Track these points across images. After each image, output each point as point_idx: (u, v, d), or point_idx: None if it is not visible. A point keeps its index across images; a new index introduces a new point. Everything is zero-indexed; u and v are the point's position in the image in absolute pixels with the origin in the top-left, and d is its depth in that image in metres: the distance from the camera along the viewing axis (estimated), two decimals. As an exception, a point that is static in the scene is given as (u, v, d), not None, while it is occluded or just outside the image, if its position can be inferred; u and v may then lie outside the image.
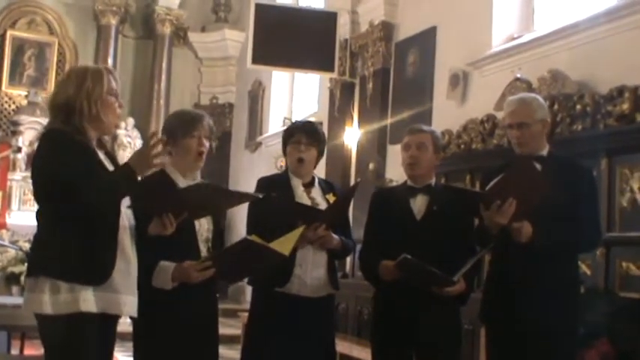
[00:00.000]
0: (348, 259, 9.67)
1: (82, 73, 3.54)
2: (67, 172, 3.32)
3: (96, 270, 3.38)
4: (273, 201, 4.19)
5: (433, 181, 4.40)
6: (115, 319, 3.57)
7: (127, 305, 3.50)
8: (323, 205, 4.41)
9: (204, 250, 3.98)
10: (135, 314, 3.57)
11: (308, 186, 4.48)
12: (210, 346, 4.05)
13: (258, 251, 3.75)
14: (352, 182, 11.23)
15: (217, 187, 3.80)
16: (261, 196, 4.09)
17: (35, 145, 12.23)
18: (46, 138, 3.49)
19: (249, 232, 4.14)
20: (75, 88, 3.49)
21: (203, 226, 4.02)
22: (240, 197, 3.96)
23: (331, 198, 4.45)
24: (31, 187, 10.28)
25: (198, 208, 3.76)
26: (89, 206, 3.32)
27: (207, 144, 4.05)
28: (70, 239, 3.36)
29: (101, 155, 3.58)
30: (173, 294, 3.78)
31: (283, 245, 3.87)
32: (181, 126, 4.04)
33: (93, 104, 3.49)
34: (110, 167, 3.59)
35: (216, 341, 4.12)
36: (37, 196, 3.52)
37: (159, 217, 3.59)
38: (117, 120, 3.67)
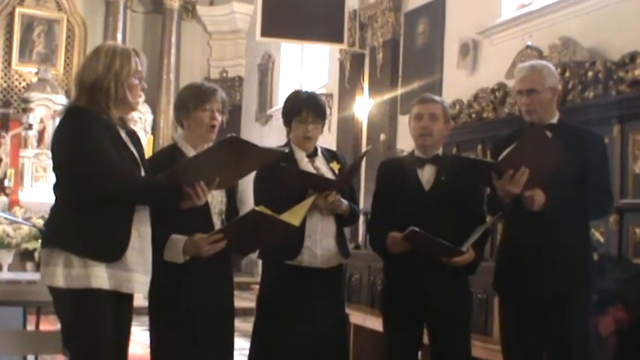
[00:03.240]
0: (361, 230, 9.68)
1: (110, 53, 3.52)
2: (95, 155, 3.34)
3: (110, 247, 3.40)
4: (284, 172, 4.18)
5: (441, 151, 4.38)
6: (130, 296, 3.58)
7: (140, 284, 3.51)
8: (328, 174, 4.42)
9: (217, 223, 3.97)
10: (145, 293, 3.59)
11: (311, 156, 4.47)
12: (226, 320, 4.07)
13: (267, 222, 3.74)
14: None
15: (242, 139, 3.72)
16: (287, 150, 4.12)
17: (47, 122, 12.22)
18: (72, 115, 3.49)
19: (256, 203, 4.13)
20: (103, 68, 3.48)
21: (216, 198, 4.00)
22: (265, 152, 3.83)
23: (335, 166, 4.46)
24: (43, 164, 10.29)
25: (228, 171, 3.68)
26: (106, 192, 3.36)
27: (219, 117, 4.04)
28: (86, 215, 3.37)
29: (123, 134, 3.58)
30: (188, 269, 3.79)
31: (293, 216, 3.87)
32: (194, 98, 4.03)
33: (120, 86, 3.49)
34: (131, 146, 3.59)
35: (232, 315, 4.13)
36: (55, 170, 3.53)
37: (191, 188, 3.54)
38: (138, 102, 3.66)
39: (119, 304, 3.48)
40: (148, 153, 4.12)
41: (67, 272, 3.35)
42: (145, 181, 3.54)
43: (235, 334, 4.18)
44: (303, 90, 4.86)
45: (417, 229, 3.91)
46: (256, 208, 3.74)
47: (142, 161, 3.64)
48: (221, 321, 4.02)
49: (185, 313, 3.85)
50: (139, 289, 3.52)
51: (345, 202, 4.35)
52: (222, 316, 4.04)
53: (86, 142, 3.35)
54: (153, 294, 3.73)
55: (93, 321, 3.38)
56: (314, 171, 4.40)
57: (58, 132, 3.52)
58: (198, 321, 3.88)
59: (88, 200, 3.36)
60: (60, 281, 3.36)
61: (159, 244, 3.70)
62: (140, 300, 3.74)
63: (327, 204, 4.24)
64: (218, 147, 3.62)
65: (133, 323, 3.71)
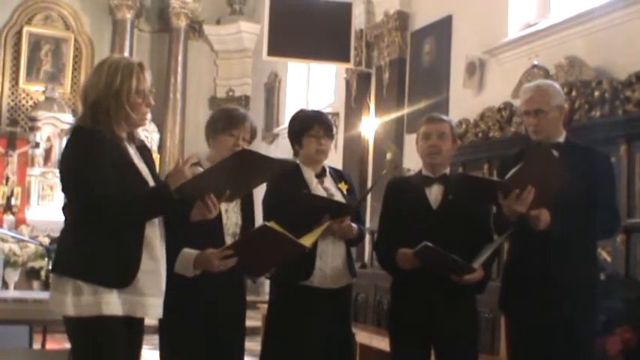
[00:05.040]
0: (367, 250, 9.67)
1: (112, 70, 3.45)
2: (92, 177, 3.29)
3: (119, 273, 3.33)
4: (306, 198, 4.20)
5: (448, 170, 4.39)
6: (141, 319, 3.53)
7: (154, 307, 3.45)
8: (337, 195, 4.44)
9: None
10: (160, 316, 3.52)
11: (320, 176, 4.48)
12: (237, 339, 4.08)
13: (277, 239, 3.70)
14: (370, 172, 11.25)
15: (252, 152, 3.69)
16: (298, 162, 4.20)
17: (54, 141, 12.23)
18: (76, 135, 3.44)
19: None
20: (104, 87, 3.42)
21: (231, 220, 4.02)
22: (276, 163, 3.83)
23: (343, 187, 4.49)
24: (49, 183, 10.31)
25: (238, 184, 3.65)
26: (109, 215, 3.30)
27: (244, 145, 4.05)
28: (94, 239, 3.32)
29: (132, 151, 3.53)
30: (199, 285, 3.80)
31: (306, 239, 3.86)
32: (222, 121, 4.09)
33: (120, 106, 3.42)
34: (140, 164, 3.54)
35: (243, 335, 4.13)
36: (63, 191, 3.50)
37: (201, 201, 3.53)
38: (143, 119, 3.58)
39: (130, 326, 3.43)
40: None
41: (76, 300, 3.29)
42: (133, 194, 3.39)
43: (241, 352, 4.18)
44: (309, 109, 4.90)
45: (430, 244, 3.89)
46: (267, 224, 3.71)
47: (153, 175, 3.59)
48: (231, 340, 4.03)
49: (195, 331, 3.86)
50: (152, 314, 3.46)
51: (355, 226, 4.37)
52: (233, 335, 4.05)
53: (85, 163, 3.31)
54: (164, 306, 3.74)
55: (105, 348, 3.33)
56: (323, 192, 4.42)
57: (64, 153, 3.49)
58: (208, 339, 3.88)
59: (95, 223, 3.31)
60: (70, 310, 3.30)
61: (170, 257, 3.70)
62: (147, 319, 3.71)
63: (341, 228, 4.26)
64: (229, 161, 3.57)
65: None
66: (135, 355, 3.58)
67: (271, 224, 3.71)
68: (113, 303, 3.32)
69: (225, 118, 4.11)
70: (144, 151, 3.67)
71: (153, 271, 3.43)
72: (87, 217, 3.33)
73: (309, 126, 4.46)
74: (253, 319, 9.85)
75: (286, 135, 4.65)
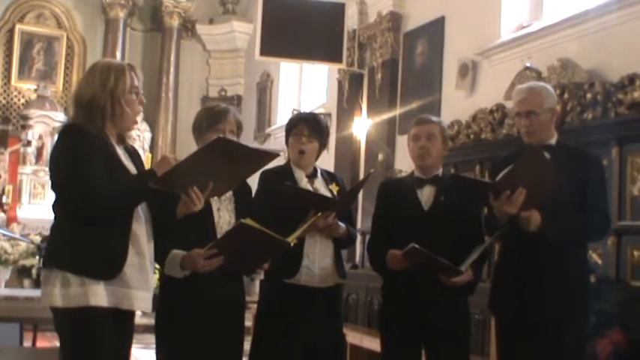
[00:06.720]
0: (358, 250, 9.68)
1: (105, 70, 3.54)
2: (82, 172, 3.34)
3: (106, 264, 3.39)
4: (287, 190, 4.19)
5: (440, 171, 4.40)
6: (130, 313, 3.57)
7: (141, 300, 3.49)
8: (327, 195, 4.42)
9: None
10: (149, 309, 3.57)
11: (311, 177, 4.48)
12: (234, 340, 4.07)
13: (256, 236, 3.66)
14: (361, 173, 11.25)
15: (229, 140, 3.70)
16: (281, 154, 4.14)
17: (45, 139, 12.26)
18: (66, 133, 3.51)
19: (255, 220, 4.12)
20: (99, 86, 3.49)
21: (223, 219, 4.01)
22: (256, 153, 3.76)
23: (334, 188, 4.48)
24: (41, 181, 10.41)
25: (222, 176, 3.60)
26: (100, 208, 3.35)
27: (233, 138, 4.05)
28: (82, 233, 3.38)
29: (120, 151, 3.59)
30: (196, 285, 3.79)
31: (291, 237, 3.85)
32: (206, 120, 4.10)
33: (117, 103, 3.50)
34: (129, 163, 3.60)
35: (241, 336, 4.12)
36: (53, 188, 3.54)
37: (185, 194, 3.52)
38: (136, 117, 3.66)
39: (120, 321, 3.47)
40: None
41: (64, 292, 3.35)
42: (118, 183, 3.44)
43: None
44: (306, 111, 4.90)
45: (417, 246, 3.91)
46: (243, 221, 3.67)
47: None
48: (228, 341, 4.02)
49: (191, 329, 3.85)
50: (139, 306, 3.51)
51: (342, 225, 4.36)
52: (230, 336, 4.04)
53: (75, 160, 3.36)
54: (159, 311, 3.72)
55: (92, 339, 3.37)
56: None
57: (53, 150, 3.55)
58: (206, 333, 3.88)
59: (83, 217, 3.37)
60: (58, 301, 3.36)
61: (162, 259, 3.73)
62: (137, 318, 3.72)
63: (326, 225, 4.24)
64: (205, 149, 3.55)
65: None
66: (125, 349, 3.61)
67: (247, 221, 3.67)
68: (100, 294, 3.37)
69: (208, 116, 4.12)
70: (133, 155, 3.72)
71: (139, 265, 3.48)
72: (76, 214, 3.39)
73: (293, 125, 4.49)
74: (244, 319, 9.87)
75: (278, 135, 4.68)
